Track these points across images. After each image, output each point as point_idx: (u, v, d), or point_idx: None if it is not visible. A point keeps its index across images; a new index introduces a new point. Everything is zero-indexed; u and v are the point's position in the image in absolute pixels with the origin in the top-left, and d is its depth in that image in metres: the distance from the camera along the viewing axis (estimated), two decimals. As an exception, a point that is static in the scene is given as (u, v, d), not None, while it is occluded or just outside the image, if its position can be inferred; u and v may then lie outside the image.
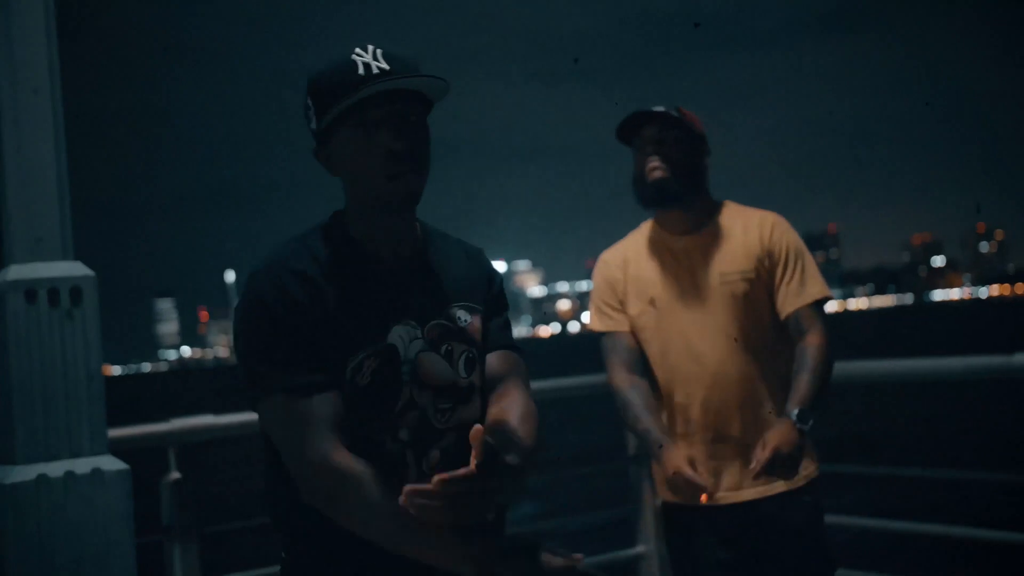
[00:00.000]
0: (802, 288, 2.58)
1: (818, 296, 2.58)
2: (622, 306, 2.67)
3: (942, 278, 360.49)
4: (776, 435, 2.40)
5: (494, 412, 1.67)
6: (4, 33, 2.68)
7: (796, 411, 2.45)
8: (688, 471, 2.42)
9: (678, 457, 2.45)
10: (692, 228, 2.63)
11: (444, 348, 1.68)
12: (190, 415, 3.36)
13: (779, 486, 2.53)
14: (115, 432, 3.19)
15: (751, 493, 2.55)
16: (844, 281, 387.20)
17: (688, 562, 2.63)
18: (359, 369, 1.60)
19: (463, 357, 1.69)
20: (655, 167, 2.55)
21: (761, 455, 2.37)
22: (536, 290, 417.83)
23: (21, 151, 2.68)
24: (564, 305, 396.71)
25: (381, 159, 1.60)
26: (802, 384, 2.49)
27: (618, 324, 2.67)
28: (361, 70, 1.59)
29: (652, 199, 2.59)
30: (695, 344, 2.56)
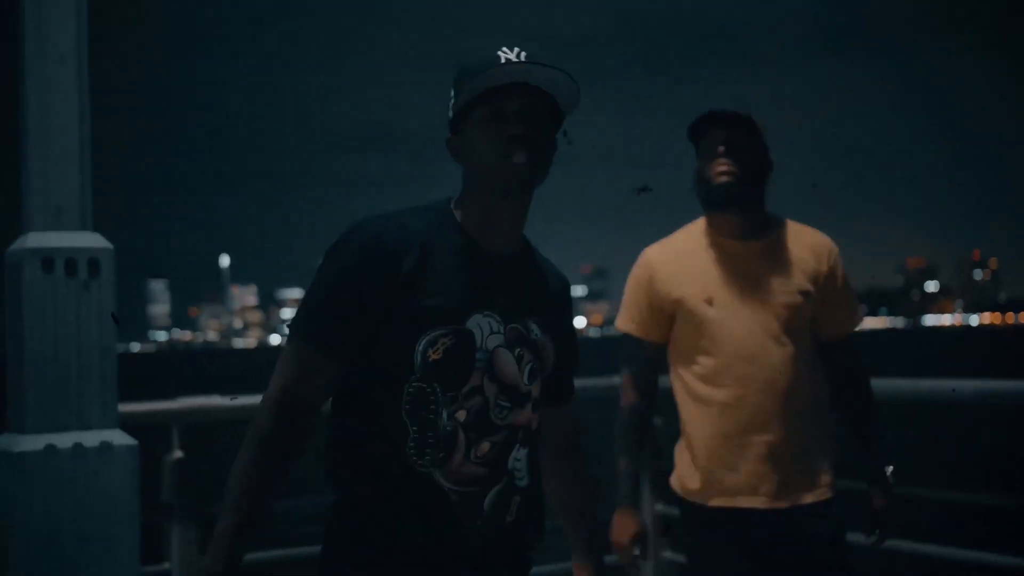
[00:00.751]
0: (851, 315, 2.70)
1: (859, 324, 2.75)
2: (656, 310, 2.66)
3: (934, 303, 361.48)
4: (880, 507, 2.66)
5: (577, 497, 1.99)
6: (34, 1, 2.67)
7: (890, 470, 2.67)
8: (634, 552, 2.63)
9: (635, 526, 2.63)
10: (748, 235, 2.62)
11: (517, 351, 1.75)
12: (197, 395, 3.34)
13: (811, 495, 2.58)
14: (120, 407, 3.18)
15: (784, 503, 2.56)
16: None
17: (710, 562, 2.64)
18: (433, 344, 1.67)
19: (529, 366, 1.76)
20: (723, 170, 2.53)
21: (878, 540, 2.68)
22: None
23: (44, 120, 2.67)
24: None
25: (503, 141, 1.67)
26: (876, 433, 2.71)
27: (644, 331, 2.68)
28: (502, 60, 1.68)
29: (717, 201, 2.58)
30: (750, 347, 2.56)
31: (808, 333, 2.62)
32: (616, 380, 2.98)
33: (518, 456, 1.74)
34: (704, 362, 2.60)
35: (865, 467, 2.66)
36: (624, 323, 2.72)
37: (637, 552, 2.64)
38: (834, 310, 2.65)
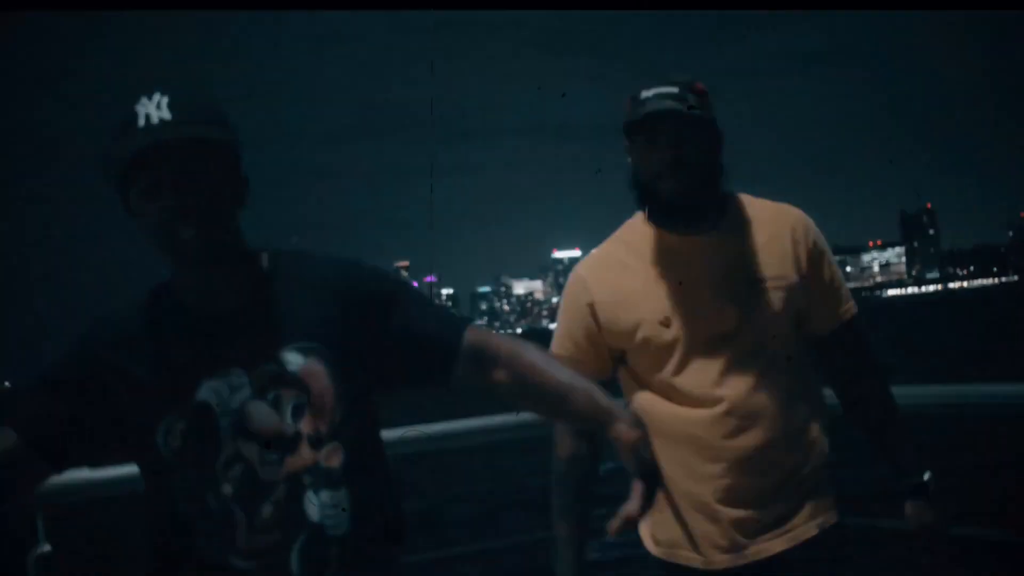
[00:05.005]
0: (842, 299, 2.28)
1: (854, 309, 2.30)
2: (593, 342, 2.24)
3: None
4: (926, 522, 2.26)
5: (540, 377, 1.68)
6: None
7: (928, 475, 2.25)
8: None
9: None
10: (699, 227, 2.20)
11: (271, 395, 1.61)
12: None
13: (808, 532, 2.18)
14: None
15: (780, 544, 2.17)
16: (943, 263, 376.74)
17: None
18: (169, 432, 1.59)
19: (291, 404, 1.61)
20: (669, 179, 2.12)
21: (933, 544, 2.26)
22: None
23: None
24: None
25: (161, 218, 1.55)
26: (902, 433, 2.28)
27: (579, 365, 2.13)
28: (141, 121, 1.55)
29: (663, 213, 2.19)
30: (724, 366, 2.15)
31: (794, 334, 2.21)
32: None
33: (325, 501, 1.59)
34: (673, 393, 2.18)
35: (897, 478, 2.28)
36: (557, 350, 2.27)
37: None
38: (823, 297, 2.24)
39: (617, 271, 2.25)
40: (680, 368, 2.17)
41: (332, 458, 1.62)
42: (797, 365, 2.22)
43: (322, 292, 1.68)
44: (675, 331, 2.17)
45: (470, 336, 1.70)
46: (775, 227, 2.23)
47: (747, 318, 2.16)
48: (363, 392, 1.68)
